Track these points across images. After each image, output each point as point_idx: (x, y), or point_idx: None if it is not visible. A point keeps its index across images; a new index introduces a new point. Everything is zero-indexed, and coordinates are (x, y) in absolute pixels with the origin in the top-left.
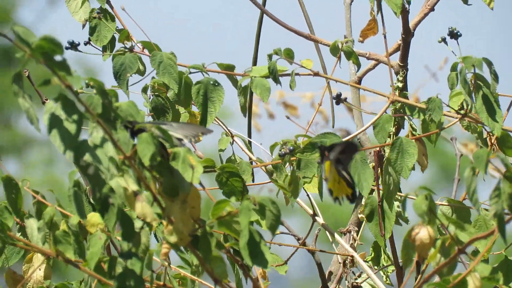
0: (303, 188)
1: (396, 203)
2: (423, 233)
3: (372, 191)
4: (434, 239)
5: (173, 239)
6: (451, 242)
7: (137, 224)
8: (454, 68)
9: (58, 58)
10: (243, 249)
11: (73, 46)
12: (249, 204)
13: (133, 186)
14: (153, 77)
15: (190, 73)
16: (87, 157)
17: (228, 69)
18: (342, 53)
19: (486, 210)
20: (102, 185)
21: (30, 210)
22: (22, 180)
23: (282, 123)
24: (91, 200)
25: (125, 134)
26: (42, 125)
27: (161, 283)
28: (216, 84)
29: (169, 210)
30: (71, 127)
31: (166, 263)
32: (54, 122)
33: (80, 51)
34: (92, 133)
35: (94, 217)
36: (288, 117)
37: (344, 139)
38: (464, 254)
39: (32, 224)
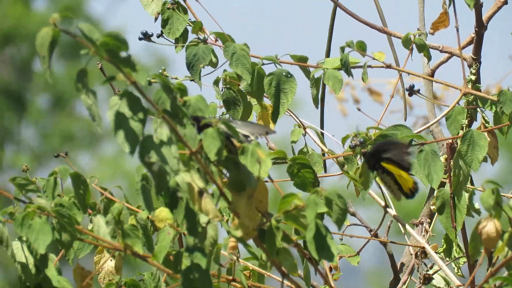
0: (375, 180)
1: (467, 195)
2: (490, 226)
3: (443, 183)
4: (501, 233)
5: (239, 233)
6: None
7: (204, 218)
8: None
9: (123, 54)
10: (309, 243)
11: (147, 36)
12: (316, 198)
13: (199, 183)
14: (225, 70)
15: (263, 64)
16: (152, 155)
17: (301, 60)
18: (414, 45)
19: None
20: (166, 181)
21: (99, 205)
22: (91, 177)
23: (367, 108)
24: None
25: (192, 130)
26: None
27: (231, 277)
28: (289, 75)
29: (235, 204)
30: (136, 125)
31: (235, 257)
32: (119, 120)
33: (153, 41)
34: (157, 130)
35: (162, 212)
36: (359, 109)
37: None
38: None
39: (99, 221)
